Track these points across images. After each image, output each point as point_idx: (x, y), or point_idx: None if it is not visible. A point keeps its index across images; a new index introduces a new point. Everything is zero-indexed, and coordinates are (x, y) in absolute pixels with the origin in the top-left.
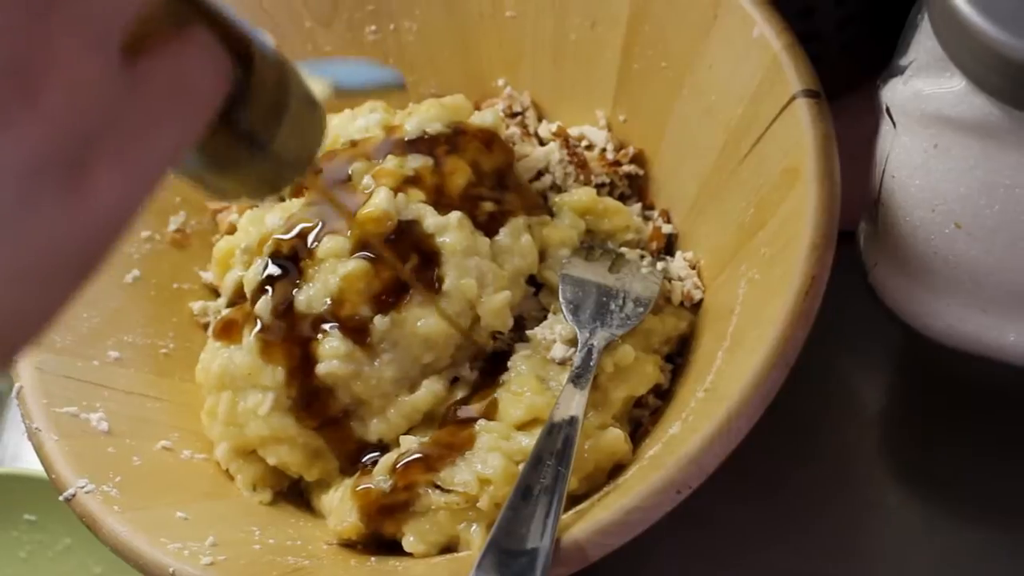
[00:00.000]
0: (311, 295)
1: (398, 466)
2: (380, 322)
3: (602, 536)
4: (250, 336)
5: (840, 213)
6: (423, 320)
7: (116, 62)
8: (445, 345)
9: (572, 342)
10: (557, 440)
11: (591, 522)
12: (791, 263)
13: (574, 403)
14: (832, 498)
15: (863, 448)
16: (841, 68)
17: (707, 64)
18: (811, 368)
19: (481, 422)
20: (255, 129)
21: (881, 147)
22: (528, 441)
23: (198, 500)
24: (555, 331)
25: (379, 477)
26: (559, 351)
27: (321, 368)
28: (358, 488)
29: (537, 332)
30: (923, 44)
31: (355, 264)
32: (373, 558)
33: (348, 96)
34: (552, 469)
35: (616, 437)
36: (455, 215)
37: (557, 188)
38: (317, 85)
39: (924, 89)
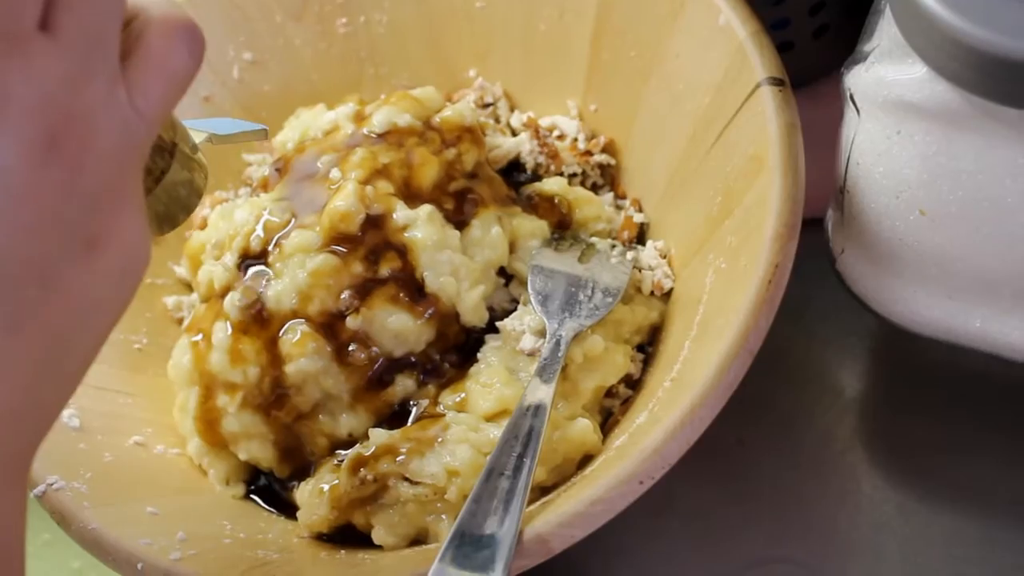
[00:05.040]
0: (280, 290)
1: (367, 459)
2: (350, 319)
3: (565, 528)
4: (220, 333)
5: (812, 199)
6: (393, 316)
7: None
8: (416, 340)
9: (542, 333)
10: (522, 430)
11: (555, 513)
12: (755, 252)
13: (540, 393)
14: (805, 484)
15: (836, 434)
16: (813, 54)
17: (675, 53)
18: (783, 356)
19: (451, 414)
20: (154, 165)
21: (846, 134)
22: (497, 433)
23: (169, 495)
24: (524, 322)
25: (348, 470)
26: (528, 342)
27: (290, 365)
28: (328, 482)
29: (507, 323)
30: (886, 30)
31: (323, 259)
32: (343, 551)
33: (222, 142)
34: (517, 459)
35: (585, 428)
36: (425, 209)
37: (529, 178)
38: (197, 135)
39: (887, 75)
